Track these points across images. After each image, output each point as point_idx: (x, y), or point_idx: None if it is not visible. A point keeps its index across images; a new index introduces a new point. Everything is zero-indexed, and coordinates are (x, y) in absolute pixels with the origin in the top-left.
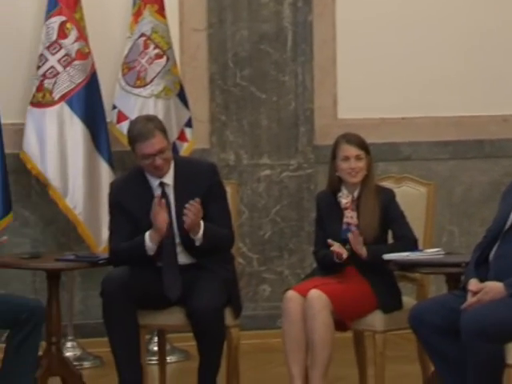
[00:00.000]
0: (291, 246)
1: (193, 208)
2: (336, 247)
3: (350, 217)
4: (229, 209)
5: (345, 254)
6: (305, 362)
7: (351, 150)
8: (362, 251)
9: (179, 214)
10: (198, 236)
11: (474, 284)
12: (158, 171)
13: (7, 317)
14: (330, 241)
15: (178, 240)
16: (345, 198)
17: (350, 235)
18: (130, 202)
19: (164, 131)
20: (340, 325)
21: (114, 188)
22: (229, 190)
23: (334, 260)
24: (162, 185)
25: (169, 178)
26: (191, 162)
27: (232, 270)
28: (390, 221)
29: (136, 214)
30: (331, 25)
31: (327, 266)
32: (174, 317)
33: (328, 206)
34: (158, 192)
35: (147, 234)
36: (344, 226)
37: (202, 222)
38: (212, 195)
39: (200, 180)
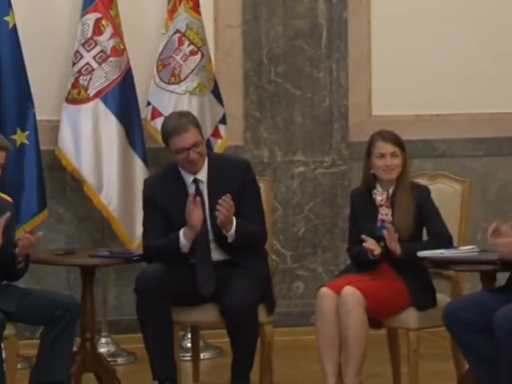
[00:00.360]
0: (325, 242)
1: (225, 204)
2: (369, 243)
3: (384, 214)
4: (262, 206)
5: (377, 251)
6: (338, 359)
7: (386, 147)
8: (397, 248)
9: (213, 211)
10: (231, 232)
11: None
12: (192, 166)
13: (42, 313)
14: (363, 236)
15: (211, 237)
16: (380, 195)
17: (385, 232)
18: (164, 199)
19: (198, 126)
20: (374, 322)
21: (148, 185)
22: (262, 186)
23: (368, 256)
24: (195, 181)
25: (203, 175)
26: (225, 158)
27: (265, 266)
28: (424, 218)
29: (170, 210)
30: (366, 21)
31: (361, 263)
32: (208, 313)
33: (362, 203)
34: (191, 189)
35: (181, 231)
36: (379, 223)
37: (234, 219)
38: (245, 192)
39: (234, 177)
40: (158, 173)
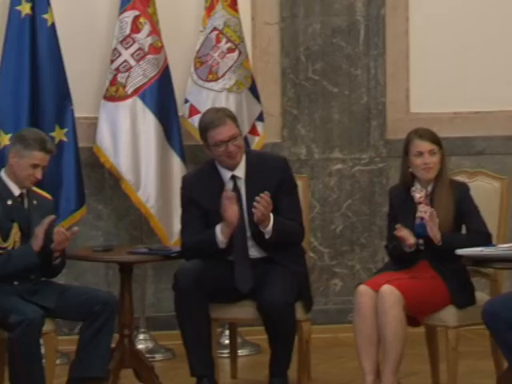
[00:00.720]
0: (363, 240)
1: (262, 201)
2: (401, 231)
3: (423, 211)
4: (299, 203)
5: (411, 240)
6: (376, 357)
7: (424, 145)
8: (437, 234)
9: (250, 208)
10: (268, 229)
11: None
12: (231, 159)
13: (81, 309)
14: (398, 225)
15: (249, 234)
16: (418, 193)
17: (425, 215)
18: (201, 196)
19: (235, 119)
20: (412, 320)
21: (186, 182)
22: (300, 184)
23: (404, 249)
24: (233, 178)
25: (240, 171)
26: (263, 155)
27: (303, 264)
28: (463, 215)
29: (208, 207)
30: (404, 18)
31: (398, 258)
32: (246, 310)
33: (401, 201)
34: (229, 185)
35: (218, 227)
36: (417, 221)
37: (271, 216)
38: (283, 189)
39: (271, 174)
40: (196, 170)
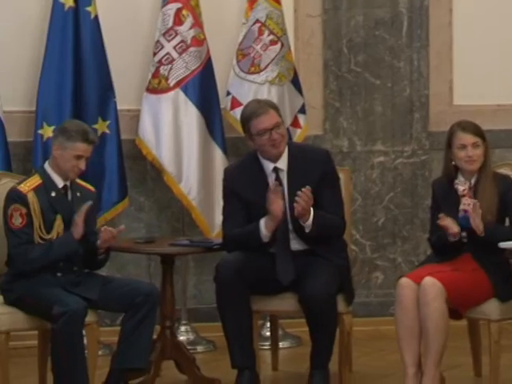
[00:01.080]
0: (404, 233)
1: (304, 196)
2: (445, 220)
3: (467, 204)
4: (341, 196)
5: (455, 228)
6: (418, 350)
7: (467, 138)
8: (480, 225)
9: (292, 200)
10: (308, 223)
11: None
12: (275, 148)
13: (123, 300)
14: (441, 215)
15: (291, 226)
16: (462, 185)
17: (469, 207)
18: (243, 188)
19: (277, 109)
20: (454, 313)
21: (228, 174)
22: (342, 176)
23: (448, 239)
24: (275, 170)
25: (283, 163)
26: (305, 148)
27: (345, 256)
28: (507, 208)
29: (250, 199)
30: (448, 10)
31: (442, 249)
32: (287, 302)
33: (444, 194)
34: (271, 177)
35: (262, 221)
36: (461, 213)
37: (312, 210)
38: (325, 182)
39: (314, 166)
40: (238, 162)
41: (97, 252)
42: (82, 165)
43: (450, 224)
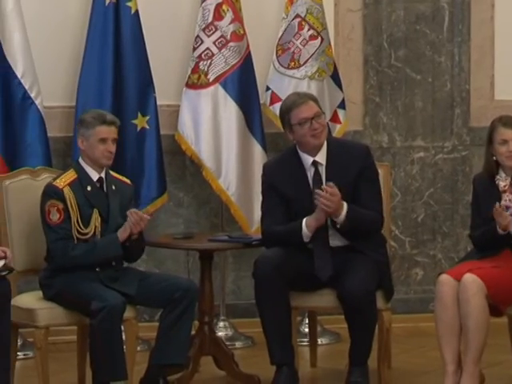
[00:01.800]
0: (444, 229)
1: (325, 193)
2: (499, 213)
3: (508, 200)
4: (380, 191)
5: (507, 219)
6: (458, 347)
7: (509, 133)
8: None
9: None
10: (340, 218)
11: None
12: (316, 138)
13: (161, 296)
14: (497, 205)
15: (329, 221)
16: (503, 181)
17: (510, 203)
18: (282, 183)
19: (316, 101)
20: (494, 310)
21: (267, 169)
22: (381, 172)
23: (497, 232)
24: (315, 164)
25: (322, 157)
26: (344, 143)
27: (384, 252)
28: None
29: (289, 194)
30: (490, 4)
31: (485, 245)
32: (326, 299)
33: (485, 189)
34: (311, 171)
35: (304, 221)
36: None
37: (345, 205)
38: (364, 177)
39: (353, 161)
40: (278, 157)
41: (129, 239)
42: (111, 147)
43: (504, 216)
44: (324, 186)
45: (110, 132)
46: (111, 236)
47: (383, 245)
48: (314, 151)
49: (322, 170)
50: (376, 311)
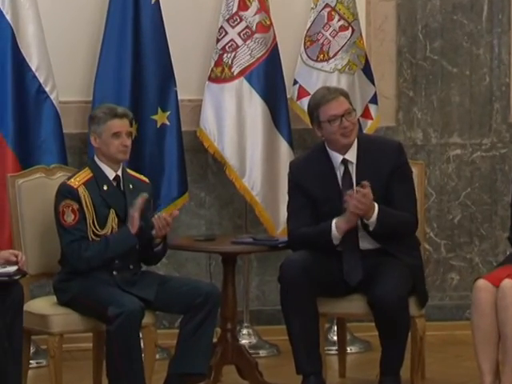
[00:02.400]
0: (482, 231)
1: (357, 194)
2: None
3: None
4: (414, 191)
5: None
6: (496, 356)
7: None
8: None
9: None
10: (372, 220)
11: None
12: (345, 137)
13: (182, 301)
14: None
15: (359, 223)
16: None
17: None
18: (310, 183)
19: (347, 96)
20: None
21: (294, 167)
22: (415, 170)
23: None
24: (344, 162)
25: (352, 155)
26: (376, 140)
27: (418, 256)
28: None
29: (317, 194)
30: None
31: None
32: (356, 305)
33: None
34: (340, 170)
35: (334, 222)
36: None
37: (376, 206)
38: (397, 176)
39: (385, 159)
40: (305, 155)
41: (152, 244)
42: (126, 141)
43: None
44: (357, 186)
45: (122, 125)
46: (122, 229)
47: (417, 248)
48: (343, 149)
49: (353, 169)
50: (409, 318)
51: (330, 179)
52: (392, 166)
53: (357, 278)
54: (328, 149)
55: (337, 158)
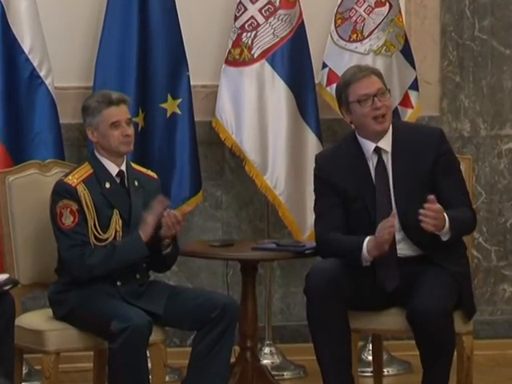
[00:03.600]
0: None
1: (430, 213)
2: None
3: None
4: (463, 181)
5: None
6: None
7: None
8: None
9: (398, 188)
10: (444, 231)
11: None
12: (378, 123)
13: (195, 315)
14: None
15: (398, 224)
16: None
17: None
18: (339, 177)
19: (380, 76)
20: None
21: (321, 161)
22: (462, 166)
23: None
24: (377, 151)
25: (386, 143)
26: (413, 127)
27: (465, 263)
28: None
29: (347, 189)
30: None
31: None
32: (393, 320)
33: None
34: (373, 160)
35: (365, 242)
36: None
37: (445, 215)
38: (441, 167)
39: (424, 148)
40: (333, 146)
41: (161, 245)
42: (127, 130)
43: None
44: (426, 205)
45: (120, 113)
46: (132, 235)
47: (464, 254)
48: (376, 136)
49: (388, 159)
50: (454, 335)
51: (361, 171)
52: (434, 155)
53: (393, 283)
54: (358, 136)
55: (369, 146)
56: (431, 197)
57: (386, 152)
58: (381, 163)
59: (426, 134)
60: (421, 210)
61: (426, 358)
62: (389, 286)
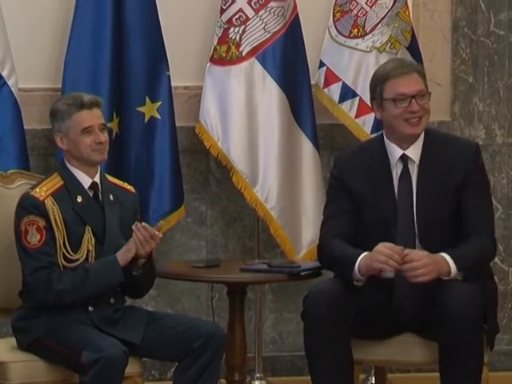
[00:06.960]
0: None
1: (413, 267)
2: None
3: None
4: (491, 203)
5: None
6: None
7: None
8: None
9: (422, 201)
10: (452, 275)
11: None
12: (411, 126)
13: (176, 345)
14: None
15: (417, 239)
16: None
17: None
18: (357, 181)
19: (424, 77)
20: None
21: (341, 161)
22: None
23: None
24: (404, 159)
25: (414, 152)
26: (447, 137)
27: (491, 287)
28: None
29: (363, 195)
30: None
31: None
32: (403, 349)
33: None
34: (398, 169)
35: (359, 259)
36: None
37: (445, 256)
38: (471, 184)
39: (456, 164)
40: (356, 147)
41: (133, 266)
42: (100, 137)
43: None
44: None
45: (93, 117)
46: (108, 259)
47: (490, 277)
48: (405, 142)
49: (413, 169)
50: (483, 349)
51: (382, 178)
52: (466, 170)
53: (411, 311)
54: (386, 139)
55: (395, 152)
56: (406, 251)
57: (413, 162)
58: (405, 173)
59: (461, 148)
60: (403, 268)
61: (449, 371)
62: (405, 317)
